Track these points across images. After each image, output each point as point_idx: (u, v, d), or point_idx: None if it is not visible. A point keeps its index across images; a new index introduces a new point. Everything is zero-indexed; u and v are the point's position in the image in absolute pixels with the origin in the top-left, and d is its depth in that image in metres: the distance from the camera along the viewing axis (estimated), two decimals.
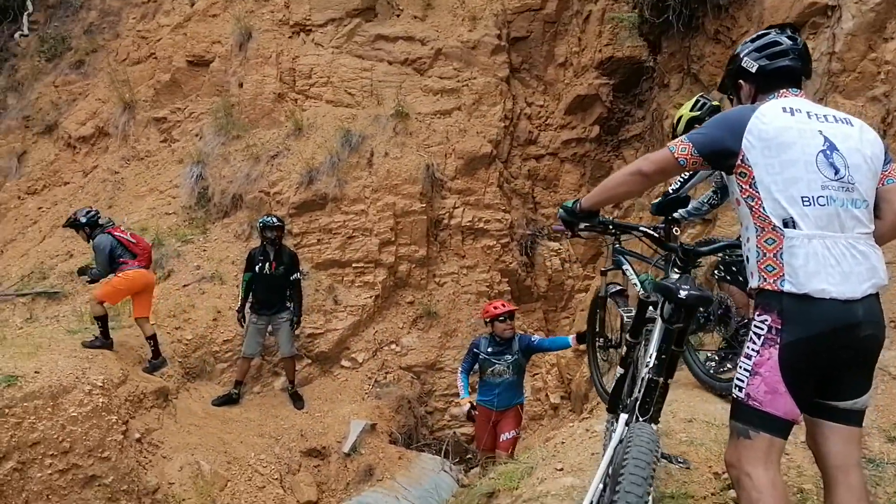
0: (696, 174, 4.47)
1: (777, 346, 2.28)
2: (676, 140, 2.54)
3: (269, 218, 8.16)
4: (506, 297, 9.63)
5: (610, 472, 2.47)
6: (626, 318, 4.94)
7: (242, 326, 8.19)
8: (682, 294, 2.49)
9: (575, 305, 10.12)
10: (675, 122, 4.84)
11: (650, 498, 2.28)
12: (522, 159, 11.00)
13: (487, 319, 6.63)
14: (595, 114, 11.00)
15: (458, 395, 8.74)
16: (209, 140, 10.87)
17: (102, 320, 7.52)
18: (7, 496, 5.96)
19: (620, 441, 2.50)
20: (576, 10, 11.32)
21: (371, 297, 9.34)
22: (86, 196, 11.42)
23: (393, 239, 9.56)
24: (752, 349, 2.35)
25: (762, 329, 2.32)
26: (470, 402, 6.60)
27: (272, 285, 8.03)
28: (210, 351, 8.56)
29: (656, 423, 2.62)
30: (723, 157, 2.45)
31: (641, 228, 2.93)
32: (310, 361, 8.92)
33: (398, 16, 11.67)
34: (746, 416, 2.35)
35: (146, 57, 12.59)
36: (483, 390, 6.64)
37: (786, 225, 2.32)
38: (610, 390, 5.16)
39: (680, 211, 4.33)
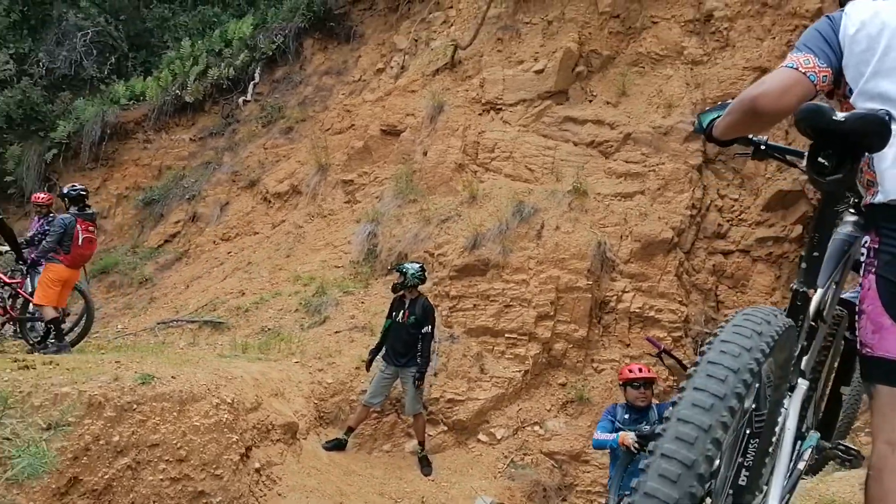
0: None
1: (874, 271, 1.84)
2: (788, 57, 1.91)
3: (404, 266, 7.95)
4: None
5: None
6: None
7: (367, 370, 7.88)
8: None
9: None
10: None
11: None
12: (708, 253, 10.01)
13: (621, 383, 5.78)
14: (798, 212, 9.83)
15: (601, 492, 7.72)
16: (387, 202, 11.08)
17: (55, 323, 7.67)
18: (115, 493, 5.84)
19: None
20: None
21: (520, 371, 8.66)
22: (269, 244, 12.03)
23: (552, 314, 8.91)
24: (859, 283, 1.91)
25: (863, 254, 1.91)
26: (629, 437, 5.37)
27: (402, 335, 7.69)
28: (347, 399, 8.28)
29: None
30: (840, 63, 1.91)
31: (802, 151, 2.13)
32: (445, 429, 8.33)
33: (590, 101, 11.47)
34: (866, 370, 1.89)
35: (347, 128, 13.36)
36: (628, 476, 5.65)
37: None
38: None
39: None
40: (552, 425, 8.31)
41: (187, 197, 14.01)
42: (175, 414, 6.28)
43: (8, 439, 5.36)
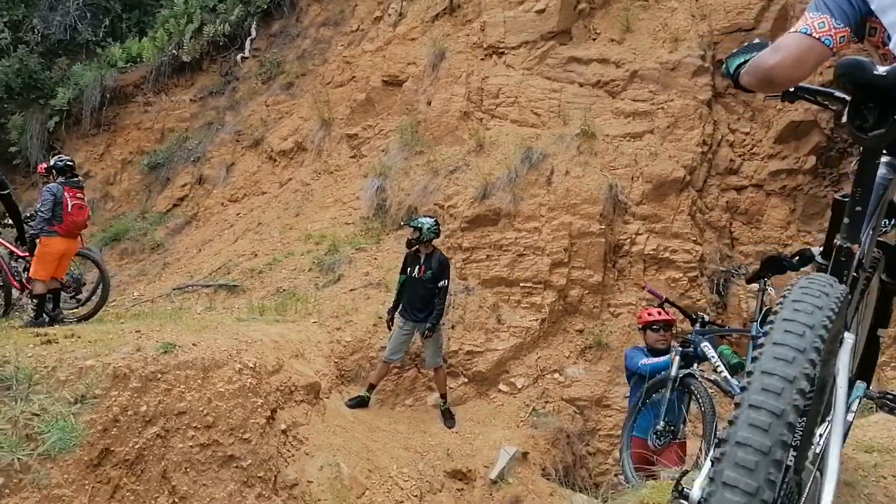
0: None
1: None
2: (803, 18, 1.86)
3: (417, 220, 7.86)
4: None
5: None
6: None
7: (390, 329, 7.90)
8: None
9: None
10: None
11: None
12: (721, 190, 9.89)
13: (640, 326, 5.81)
14: (811, 142, 9.67)
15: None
16: (393, 155, 10.97)
17: (40, 299, 7.72)
18: (147, 462, 5.96)
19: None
20: None
21: (537, 319, 8.69)
22: (278, 204, 11.99)
23: (566, 260, 8.89)
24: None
25: None
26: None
27: (419, 290, 7.67)
28: (367, 356, 8.35)
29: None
30: (862, 14, 1.81)
31: (838, 94, 2.05)
32: (466, 381, 8.41)
33: (594, 39, 11.19)
34: None
35: (348, 80, 13.14)
36: (644, 415, 5.70)
37: None
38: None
39: None
40: (572, 372, 8.37)
41: (192, 159, 13.93)
42: (199, 381, 6.35)
43: (37, 415, 5.44)
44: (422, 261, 7.73)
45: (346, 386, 8.22)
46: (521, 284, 8.87)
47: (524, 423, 7.95)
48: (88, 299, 9.04)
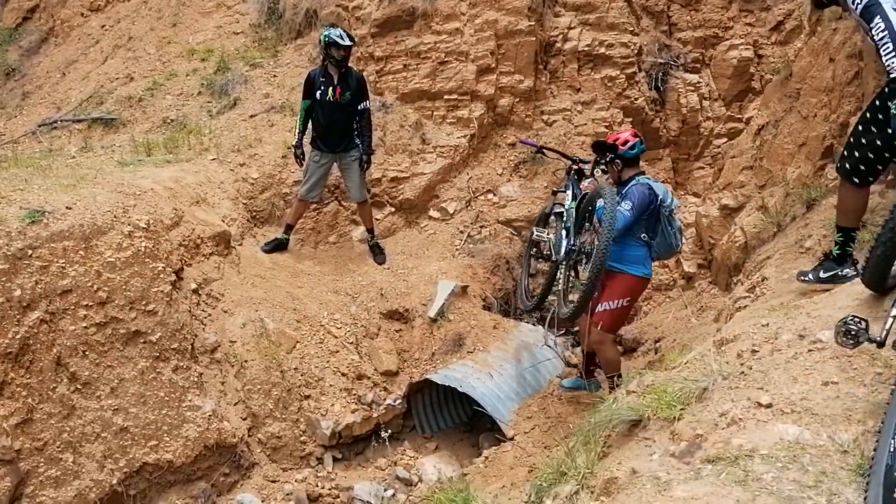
0: None
1: None
2: None
3: (337, 31, 6.54)
4: None
5: None
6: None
7: (301, 165, 6.89)
8: None
9: (713, 154, 8.31)
10: None
11: None
12: None
13: None
14: None
15: None
16: None
17: None
18: (35, 351, 5.11)
19: None
20: None
21: (465, 136, 7.81)
22: (149, 12, 10.16)
23: (493, 65, 7.86)
24: None
25: None
26: None
27: (336, 116, 6.59)
28: (279, 192, 7.40)
29: None
30: None
31: None
32: (393, 210, 7.65)
33: None
34: None
35: None
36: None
37: None
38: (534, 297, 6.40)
39: None
40: (506, 191, 7.70)
41: None
42: (81, 253, 5.39)
43: None
44: (335, 81, 6.55)
45: (259, 228, 7.34)
46: (446, 97, 7.85)
47: (460, 252, 7.36)
48: None
